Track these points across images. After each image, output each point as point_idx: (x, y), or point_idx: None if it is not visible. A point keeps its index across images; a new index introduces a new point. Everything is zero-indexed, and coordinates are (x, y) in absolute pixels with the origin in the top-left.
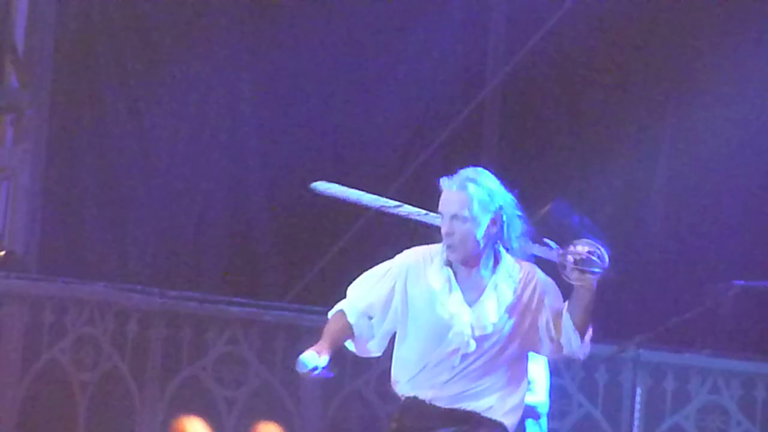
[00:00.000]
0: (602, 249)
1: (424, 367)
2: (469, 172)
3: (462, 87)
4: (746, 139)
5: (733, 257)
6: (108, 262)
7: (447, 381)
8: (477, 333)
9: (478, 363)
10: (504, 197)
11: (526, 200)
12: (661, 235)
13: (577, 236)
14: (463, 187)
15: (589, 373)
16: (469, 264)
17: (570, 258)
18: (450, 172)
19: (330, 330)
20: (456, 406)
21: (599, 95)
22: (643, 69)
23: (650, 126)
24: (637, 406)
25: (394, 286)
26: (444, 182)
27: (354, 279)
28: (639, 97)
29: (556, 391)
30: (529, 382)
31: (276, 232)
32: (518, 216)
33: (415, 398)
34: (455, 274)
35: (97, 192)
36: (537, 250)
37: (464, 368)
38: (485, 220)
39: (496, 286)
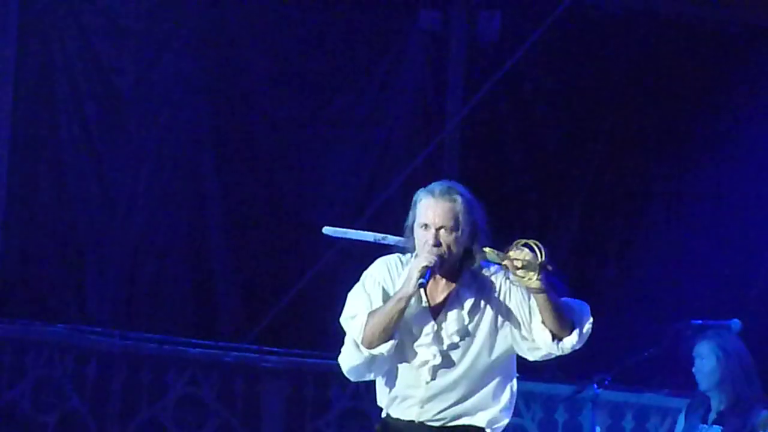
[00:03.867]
0: (540, 249)
1: (398, 385)
2: (448, 183)
3: (422, 125)
4: None
5: (691, 296)
6: (67, 303)
7: (426, 397)
8: (442, 344)
9: (453, 375)
10: (478, 208)
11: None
12: (619, 274)
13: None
14: (450, 199)
15: (548, 413)
16: (439, 274)
17: (510, 264)
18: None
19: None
20: (444, 423)
21: (558, 134)
22: (603, 108)
23: (611, 165)
24: None
25: (381, 293)
26: (424, 194)
27: (314, 319)
28: (596, 135)
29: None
30: None
31: (235, 273)
32: (486, 226)
33: (397, 419)
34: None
35: (56, 234)
36: (483, 256)
37: (440, 382)
38: (467, 231)
39: (458, 293)
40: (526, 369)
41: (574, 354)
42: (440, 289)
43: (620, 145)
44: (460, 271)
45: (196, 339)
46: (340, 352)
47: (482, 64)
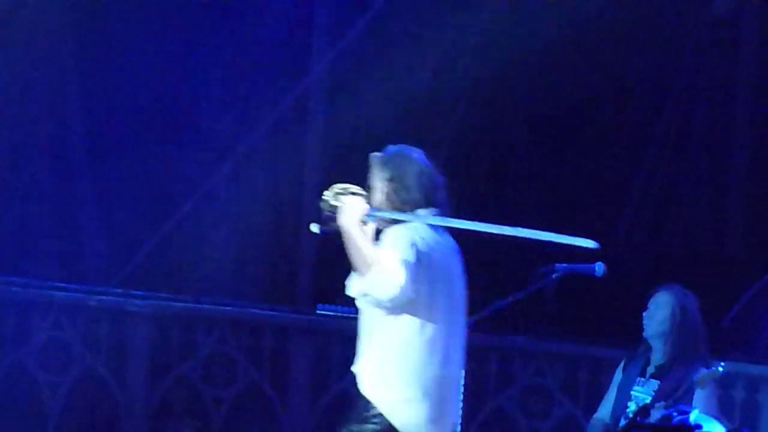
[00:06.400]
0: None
1: None
2: None
3: (288, 70)
4: None
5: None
6: None
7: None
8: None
9: (363, 328)
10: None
11: (354, 183)
12: (485, 217)
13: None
14: None
15: None
16: None
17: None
18: (277, 155)
19: None
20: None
21: (425, 77)
22: (469, 50)
23: (476, 108)
24: (461, 389)
25: None
26: None
27: (180, 263)
28: (464, 77)
29: None
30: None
31: (101, 216)
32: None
33: None
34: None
35: None
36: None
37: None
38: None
39: None
40: None
41: None
42: None
43: (485, 86)
44: None
45: (61, 282)
46: (206, 295)
47: (349, 7)
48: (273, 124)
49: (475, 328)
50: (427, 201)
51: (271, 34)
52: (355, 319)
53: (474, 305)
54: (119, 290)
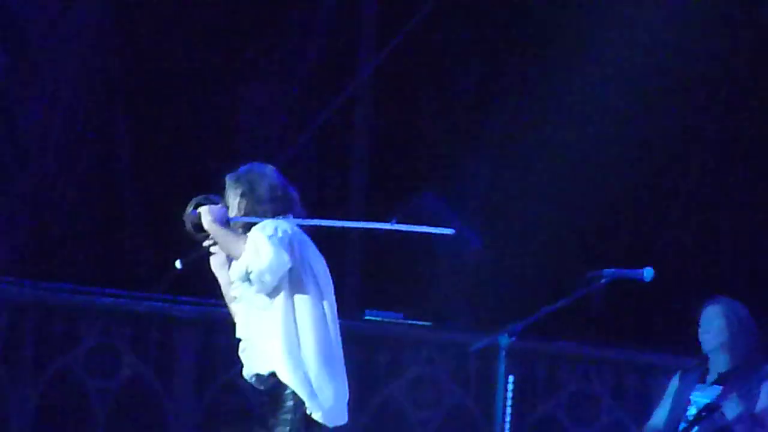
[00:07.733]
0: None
1: None
2: None
3: (335, 75)
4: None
5: (604, 246)
6: None
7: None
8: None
9: (244, 317)
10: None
11: (399, 189)
12: (533, 224)
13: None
14: None
15: (460, 362)
16: None
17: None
18: (323, 160)
19: None
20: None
21: (471, 84)
22: (517, 57)
23: (522, 115)
24: (510, 395)
25: None
26: None
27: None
28: (512, 86)
29: (427, 381)
30: None
31: (148, 222)
32: None
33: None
34: None
35: None
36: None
37: (241, 324)
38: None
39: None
40: (441, 319)
41: (488, 302)
42: None
43: (533, 94)
44: None
45: (108, 288)
46: None
47: (395, 13)
48: (319, 129)
49: (522, 334)
50: (281, 212)
51: (317, 38)
52: (402, 324)
53: (522, 311)
54: (167, 296)
